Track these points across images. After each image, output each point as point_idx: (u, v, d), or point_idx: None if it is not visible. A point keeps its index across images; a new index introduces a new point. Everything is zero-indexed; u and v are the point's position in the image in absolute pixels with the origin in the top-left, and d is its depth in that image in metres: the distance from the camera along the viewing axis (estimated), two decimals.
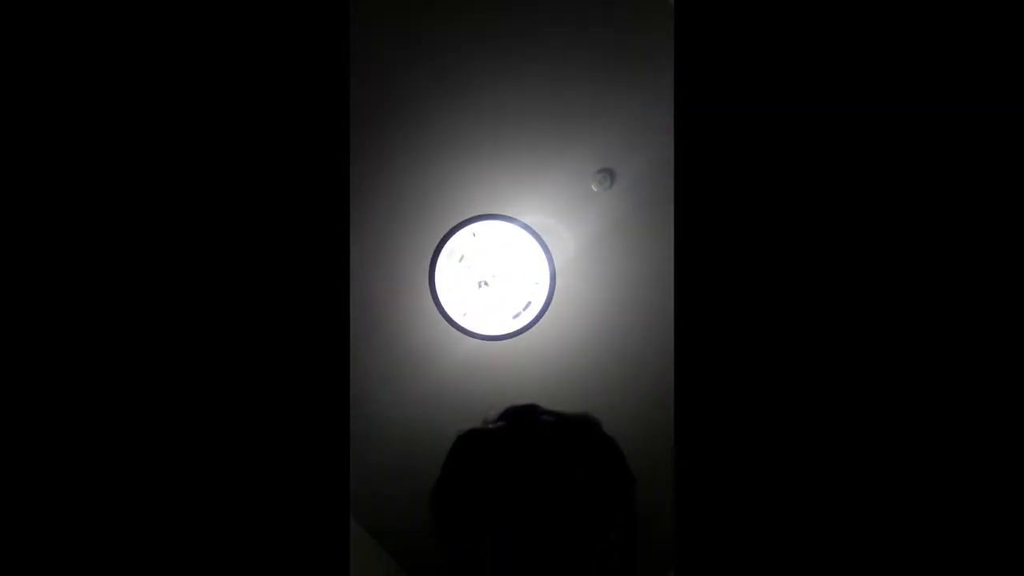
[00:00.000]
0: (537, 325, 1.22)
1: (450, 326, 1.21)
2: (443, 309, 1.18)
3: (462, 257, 1.18)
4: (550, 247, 1.16)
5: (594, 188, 1.14)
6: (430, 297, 1.18)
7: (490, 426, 0.55)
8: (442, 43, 1.01)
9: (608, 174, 1.13)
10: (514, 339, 1.24)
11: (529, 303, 1.20)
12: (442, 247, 1.15)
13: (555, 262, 1.17)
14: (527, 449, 0.52)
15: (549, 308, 1.20)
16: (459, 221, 1.15)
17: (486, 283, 1.19)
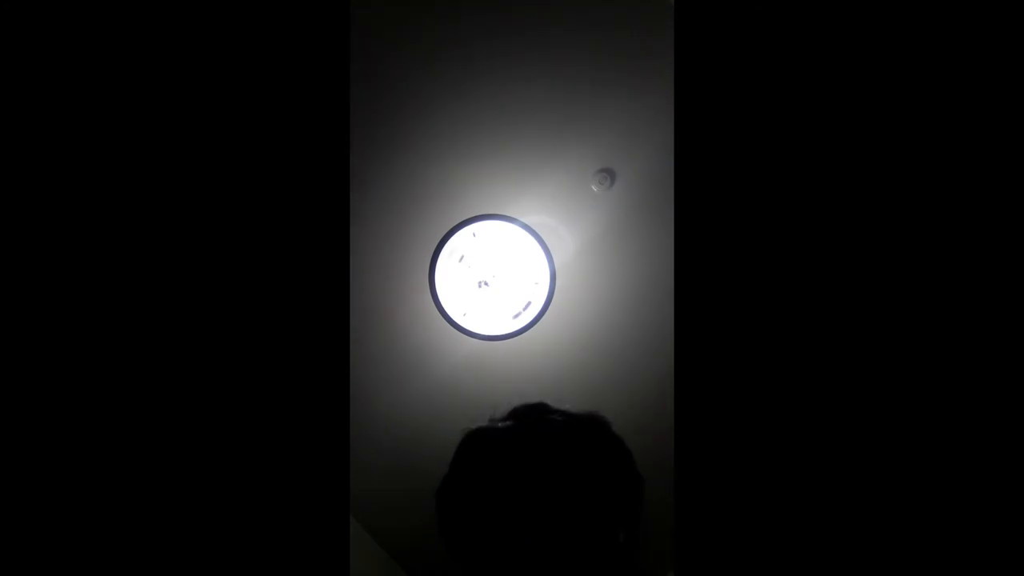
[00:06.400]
0: (537, 325, 1.22)
1: (450, 326, 1.21)
2: (443, 309, 1.18)
3: (462, 257, 1.18)
4: (550, 247, 1.16)
5: (594, 188, 1.14)
6: (430, 297, 1.18)
7: (499, 424, 0.55)
8: (442, 43, 1.01)
9: (608, 174, 1.13)
10: (514, 339, 1.24)
11: (529, 303, 1.20)
12: (442, 247, 1.15)
13: (555, 262, 1.17)
14: (536, 447, 0.52)
15: (549, 308, 1.20)
16: (459, 221, 1.15)
17: (486, 283, 1.19)
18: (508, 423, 0.55)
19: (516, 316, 1.21)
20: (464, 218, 1.15)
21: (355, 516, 1.54)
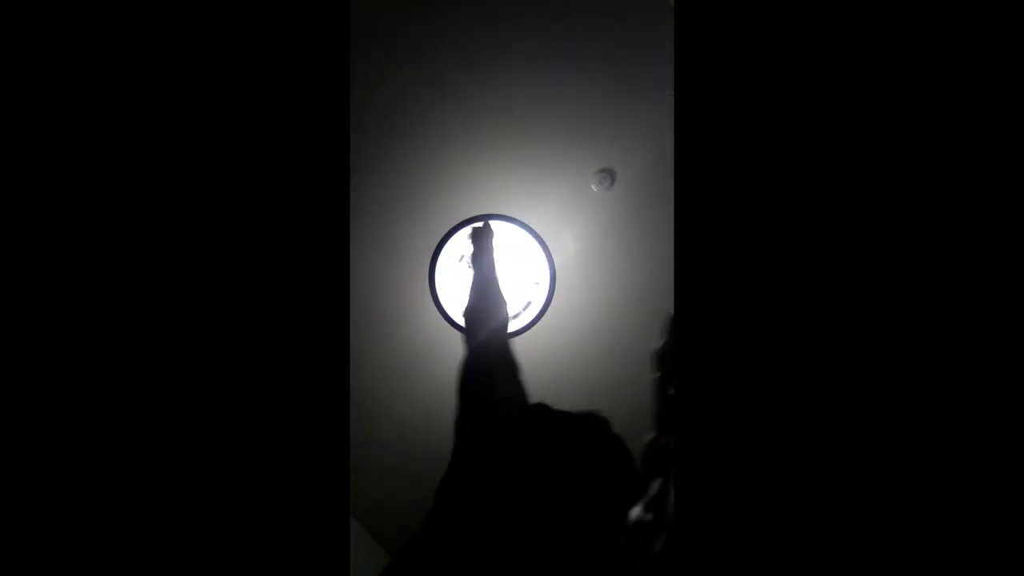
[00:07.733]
0: (537, 325, 1.22)
1: (450, 326, 1.21)
2: (443, 309, 1.18)
3: (462, 257, 1.18)
4: (550, 247, 1.16)
5: (594, 188, 1.14)
6: (430, 297, 1.18)
7: (496, 425, 0.55)
8: (442, 42, 1.01)
9: (608, 174, 1.13)
10: (514, 339, 1.24)
11: (529, 303, 1.20)
12: (442, 247, 1.15)
13: (555, 262, 1.17)
14: (535, 448, 0.52)
15: (549, 308, 1.20)
16: (459, 221, 1.15)
17: None
18: (506, 423, 0.55)
19: (516, 316, 1.21)
20: (464, 218, 1.15)
21: (355, 516, 1.55)
